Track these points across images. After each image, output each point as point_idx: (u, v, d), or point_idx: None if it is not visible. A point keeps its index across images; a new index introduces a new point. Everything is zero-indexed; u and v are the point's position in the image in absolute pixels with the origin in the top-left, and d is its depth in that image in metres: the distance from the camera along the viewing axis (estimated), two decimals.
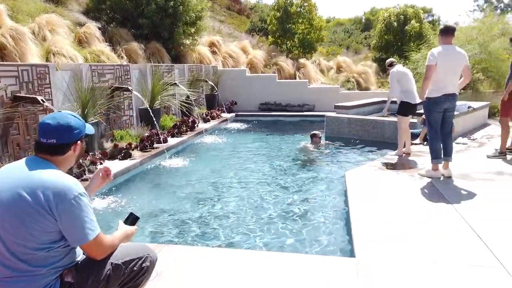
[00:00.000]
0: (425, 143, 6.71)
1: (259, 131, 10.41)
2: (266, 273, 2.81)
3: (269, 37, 17.08)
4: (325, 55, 18.22)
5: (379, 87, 14.71)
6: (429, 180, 4.87)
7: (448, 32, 4.77)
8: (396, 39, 16.63)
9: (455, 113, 7.73)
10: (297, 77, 14.39)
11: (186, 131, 8.85)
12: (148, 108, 7.46)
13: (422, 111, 5.30)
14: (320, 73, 15.00)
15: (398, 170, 5.42)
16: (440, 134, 4.89)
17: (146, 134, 7.14)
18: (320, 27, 16.08)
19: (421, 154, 6.27)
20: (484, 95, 11.98)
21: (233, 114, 12.40)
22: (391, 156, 6.26)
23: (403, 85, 6.11)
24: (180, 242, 3.81)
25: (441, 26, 5.00)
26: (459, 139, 7.32)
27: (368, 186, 4.72)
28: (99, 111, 6.33)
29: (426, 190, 4.47)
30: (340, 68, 15.37)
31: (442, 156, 4.91)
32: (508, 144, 6.06)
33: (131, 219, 2.20)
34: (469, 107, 8.30)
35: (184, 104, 9.33)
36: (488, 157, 6.01)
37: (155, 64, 9.17)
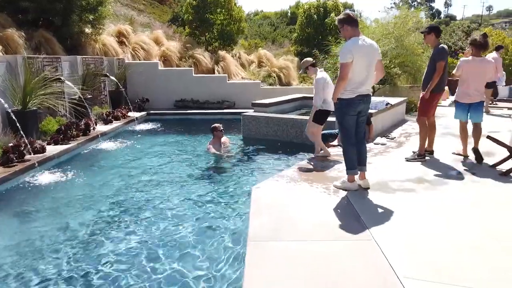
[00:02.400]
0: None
1: (171, 132, 9.27)
2: None
3: (186, 27, 15.79)
4: (247, 48, 17.37)
5: (301, 82, 14.25)
6: (344, 193, 4.18)
7: (357, 21, 4.07)
8: (317, 32, 16.31)
9: (374, 111, 7.36)
10: (216, 72, 13.37)
11: (77, 136, 7.42)
12: (10, 111, 5.92)
13: None
14: (240, 67, 14.12)
15: (312, 180, 4.68)
16: (354, 141, 4.21)
17: (11, 144, 5.67)
18: (239, 18, 15.18)
19: (341, 157, 5.62)
20: (402, 89, 12.02)
21: (144, 113, 11.09)
22: (305, 162, 5.56)
23: (326, 94, 5.43)
24: None
25: (343, 15, 4.09)
26: (378, 139, 6.87)
27: (276, 206, 3.88)
28: None
29: (339, 210, 3.74)
30: (262, 62, 14.63)
31: (357, 165, 4.24)
32: (426, 146, 5.65)
33: None
34: (387, 104, 7.94)
35: (74, 103, 7.84)
36: (407, 160, 5.55)
37: (31, 55, 7.51)
